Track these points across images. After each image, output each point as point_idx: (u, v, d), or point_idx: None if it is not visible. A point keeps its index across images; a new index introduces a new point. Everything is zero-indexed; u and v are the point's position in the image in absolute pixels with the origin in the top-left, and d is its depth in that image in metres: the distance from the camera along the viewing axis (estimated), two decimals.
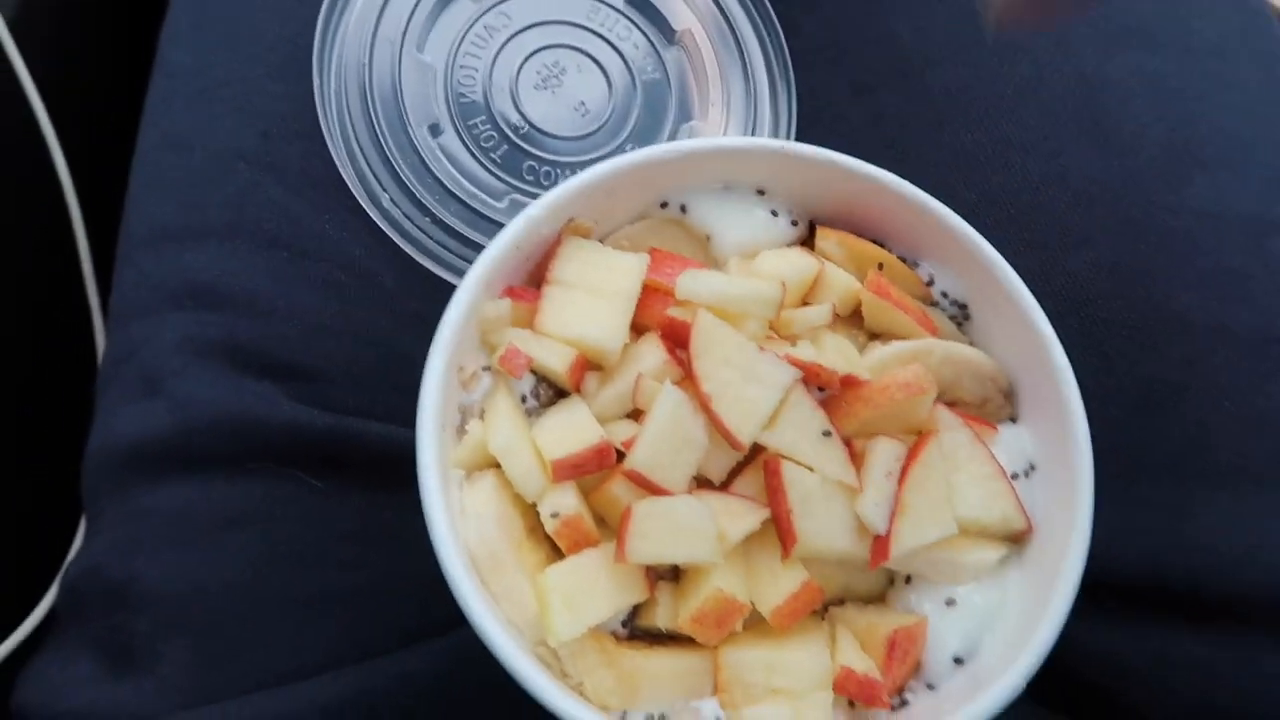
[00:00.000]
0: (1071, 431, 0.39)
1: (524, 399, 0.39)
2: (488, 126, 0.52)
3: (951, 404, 0.41)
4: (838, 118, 0.54)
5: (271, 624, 0.46)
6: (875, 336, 0.42)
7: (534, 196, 0.44)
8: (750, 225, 0.43)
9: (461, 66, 0.52)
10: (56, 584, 0.52)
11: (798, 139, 0.52)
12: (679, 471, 0.36)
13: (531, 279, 0.42)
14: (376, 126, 0.50)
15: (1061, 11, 0.51)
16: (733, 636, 0.37)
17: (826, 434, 0.37)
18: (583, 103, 0.54)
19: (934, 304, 0.43)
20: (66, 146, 0.61)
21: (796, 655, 0.37)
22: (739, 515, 0.37)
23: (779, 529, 0.37)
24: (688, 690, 0.37)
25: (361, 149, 0.50)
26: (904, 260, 0.43)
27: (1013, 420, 0.42)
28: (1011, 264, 0.41)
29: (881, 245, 0.44)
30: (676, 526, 0.35)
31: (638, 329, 0.40)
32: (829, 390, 0.39)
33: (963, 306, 0.43)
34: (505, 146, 0.52)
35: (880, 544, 0.37)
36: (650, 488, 0.36)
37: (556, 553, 0.37)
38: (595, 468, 0.37)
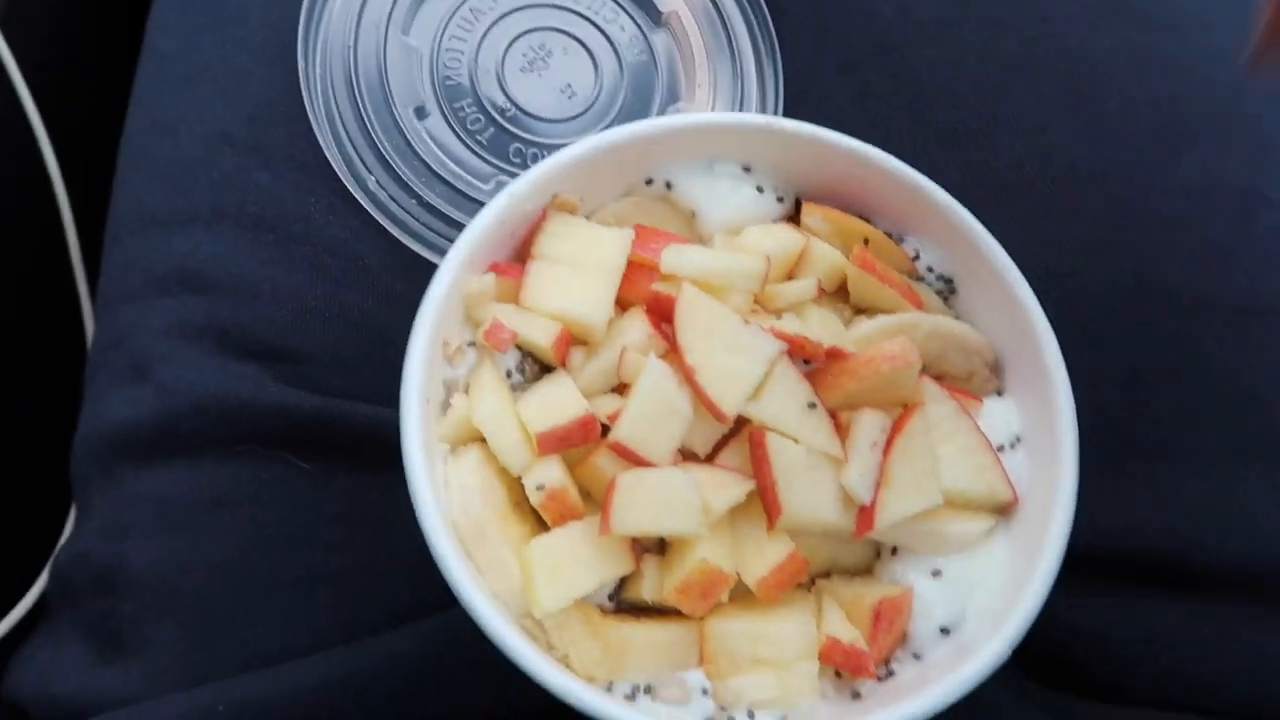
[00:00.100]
0: (1056, 403, 0.39)
1: (509, 374, 0.39)
2: (474, 109, 0.52)
3: (938, 377, 0.41)
4: (823, 97, 0.54)
5: (259, 606, 0.46)
6: (861, 311, 0.42)
7: None
8: (736, 201, 0.43)
9: (447, 50, 0.52)
10: (47, 570, 0.52)
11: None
12: (663, 444, 0.36)
13: (516, 255, 0.42)
14: (362, 110, 0.50)
15: None
16: (718, 608, 0.37)
17: (811, 406, 0.38)
18: (569, 85, 0.54)
19: (920, 279, 0.43)
20: (54, 134, 0.61)
21: (782, 626, 0.37)
22: (724, 487, 0.37)
23: (764, 500, 0.37)
24: (673, 661, 0.37)
25: (347, 132, 0.50)
26: (890, 235, 0.43)
27: (999, 394, 0.42)
28: (998, 240, 0.41)
29: (867, 221, 0.44)
30: (661, 498, 0.35)
31: (623, 304, 0.40)
32: (814, 363, 0.39)
33: (948, 281, 0.43)
34: (491, 129, 0.52)
35: (865, 514, 0.37)
36: (635, 460, 0.36)
37: (542, 526, 0.37)
38: (580, 441, 0.37)
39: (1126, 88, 0.53)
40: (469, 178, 0.51)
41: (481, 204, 0.50)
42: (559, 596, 0.35)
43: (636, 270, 0.40)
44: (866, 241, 0.43)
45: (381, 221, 0.50)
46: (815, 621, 0.37)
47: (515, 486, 0.38)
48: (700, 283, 0.38)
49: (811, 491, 0.37)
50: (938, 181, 0.42)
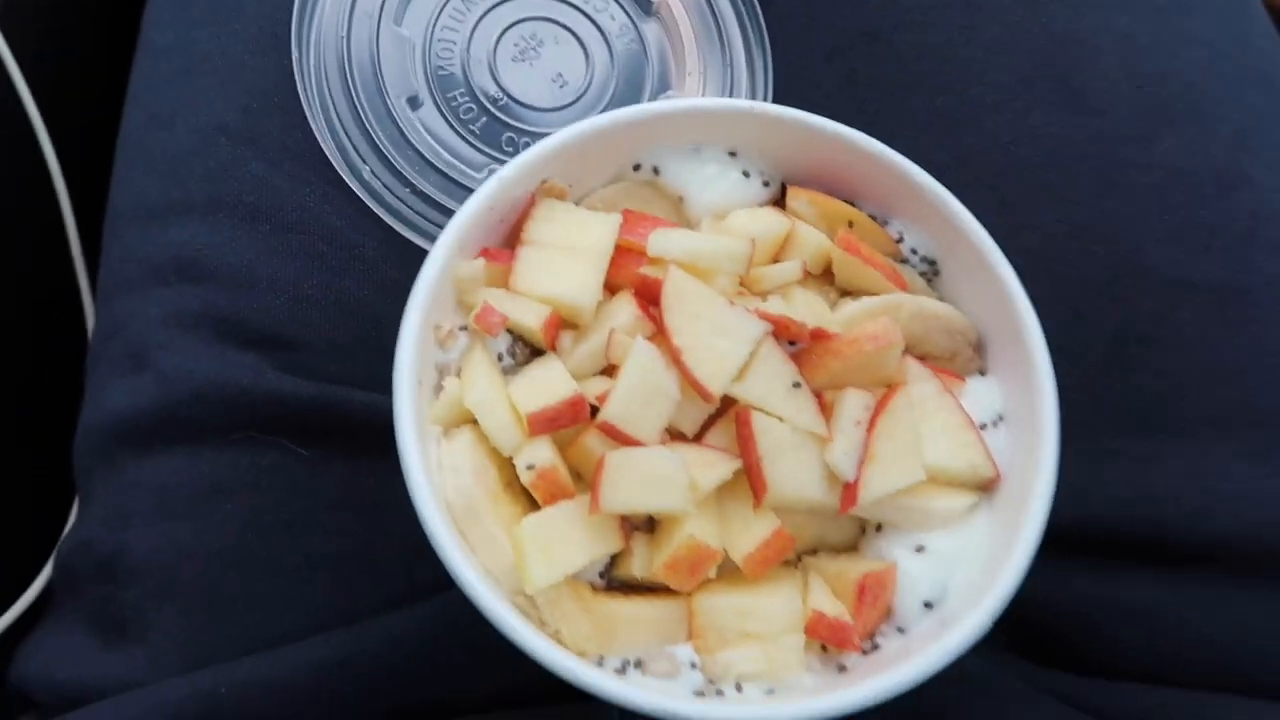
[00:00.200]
0: (1037, 382, 0.39)
1: (500, 358, 0.40)
2: (466, 99, 0.53)
3: (921, 358, 0.41)
4: (811, 84, 0.55)
5: (259, 590, 0.47)
6: (846, 293, 0.43)
7: None
8: (722, 186, 0.44)
9: (439, 40, 0.53)
10: (51, 560, 0.53)
11: None
12: (651, 423, 0.37)
13: (506, 241, 0.43)
14: (356, 100, 0.51)
15: None
16: (706, 584, 0.38)
17: (796, 385, 0.38)
18: (560, 74, 0.54)
19: (904, 261, 0.44)
20: (53, 129, 0.62)
21: (769, 600, 0.37)
22: (711, 465, 0.37)
23: (750, 478, 0.37)
24: (663, 636, 0.38)
25: (341, 122, 0.51)
26: (874, 218, 0.44)
27: (981, 373, 0.43)
28: (983, 223, 0.41)
29: (852, 204, 0.44)
30: (649, 476, 0.36)
31: (611, 288, 0.41)
32: (799, 343, 0.40)
33: (932, 263, 0.44)
34: (484, 118, 0.53)
35: (849, 491, 0.38)
36: (623, 439, 0.37)
37: (533, 505, 0.38)
38: (569, 421, 0.37)
39: (1109, 70, 0.53)
40: (462, 166, 0.52)
41: (474, 191, 0.51)
42: (550, 573, 0.36)
43: (624, 254, 0.41)
44: (851, 224, 0.43)
45: (376, 210, 0.51)
46: (801, 596, 0.38)
47: (507, 467, 0.38)
48: (686, 265, 0.39)
49: (797, 469, 0.37)
50: (923, 165, 0.42)
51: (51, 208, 0.62)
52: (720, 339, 0.38)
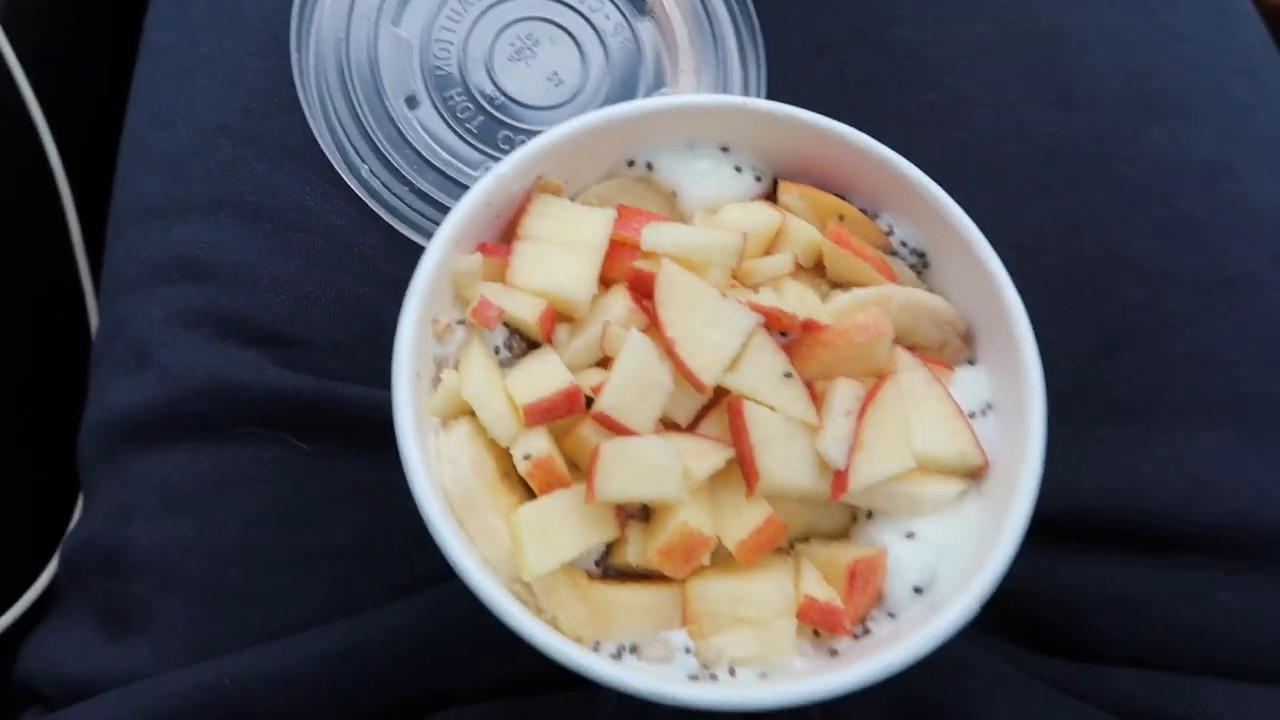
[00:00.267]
0: (1025, 371, 0.40)
1: (497, 350, 0.41)
2: (463, 98, 0.53)
3: (911, 348, 0.42)
4: (804, 80, 0.55)
5: (262, 582, 0.48)
6: (837, 286, 0.44)
7: None
8: (715, 181, 0.45)
9: (437, 40, 0.54)
10: (56, 556, 0.54)
11: None
12: (645, 413, 0.38)
13: (503, 236, 0.43)
14: (354, 99, 0.52)
15: None
16: (700, 571, 0.38)
17: (788, 375, 0.39)
18: (556, 73, 0.55)
19: (894, 253, 0.44)
20: (56, 131, 0.62)
21: (761, 586, 0.38)
22: (704, 454, 0.38)
23: (742, 466, 0.38)
24: (658, 622, 0.38)
25: (340, 122, 0.52)
26: (864, 211, 0.45)
27: (970, 363, 0.43)
28: (973, 216, 0.42)
29: (843, 198, 0.45)
30: (643, 464, 0.37)
31: (606, 282, 0.41)
32: (790, 335, 0.40)
33: (921, 255, 0.44)
34: (481, 117, 0.53)
35: (840, 478, 0.38)
36: (618, 429, 0.38)
37: (530, 495, 0.39)
38: (565, 412, 0.38)
39: (1098, 64, 0.54)
40: (460, 165, 0.52)
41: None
42: (546, 560, 0.36)
43: (619, 249, 0.41)
44: (842, 218, 0.44)
45: (375, 209, 0.51)
46: (793, 582, 0.39)
47: (504, 457, 0.39)
48: (679, 259, 0.39)
49: (788, 457, 0.38)
50: (914, 159, 0.43)
51: (54, 207, 0.63)
52: (713, 331, 0.38)
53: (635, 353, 0.38)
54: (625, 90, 0.55)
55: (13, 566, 0.57)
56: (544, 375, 0.39)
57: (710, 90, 0.55)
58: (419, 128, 0.52)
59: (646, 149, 0.45)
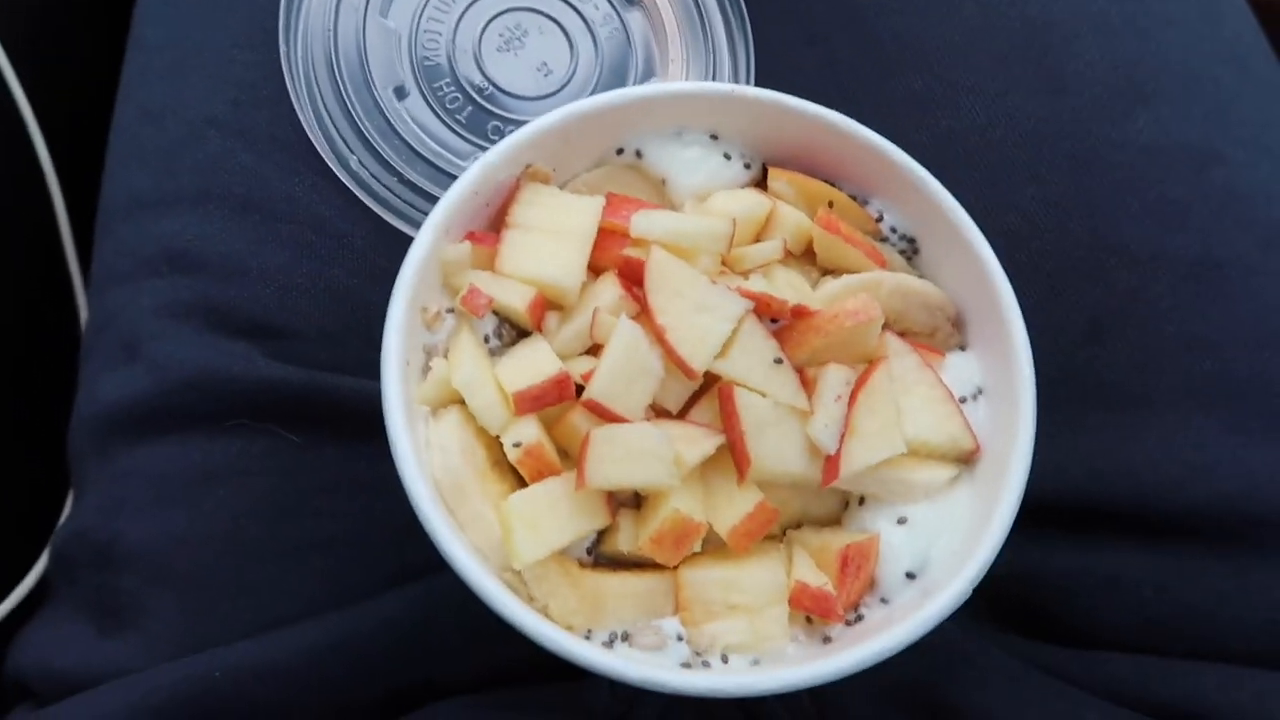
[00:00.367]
0: (1015, 356, 0.40)
1: (487, 339, 0.41)
2: (452, 89, 0.53)
3: (902, 334, 0.42)
4: (793, 69, 0.55)
5: (253, 574, 0.48)
6: (827, 272, 0.44)
7: None
8: (704, 169, 0.45)
9: (425, 31, 0.54)
10: (47, 551, 0.53)
11: None
12: (635, 400, 0.38)
13: (492, 225, 0.43)
14: (343, 91, 0.52)
15: None
16: (692, 558, 0.38)
17: (778, 361, 0.39)
18: (545, 64, 0.55)
19: (884, 239, 0.45)
20: (46, 127, 0.62)
21: (753, 573, 0.38)
22: (695, 441, 0.38)
23: (733, 453, 0.38)
24: (650, 609, 0.38)
25: (329, 113, 0.52)
26: (854, 198, 0.45)
27: (961, 348, 0.43)
28: (962, 203, 0.42)
29: (832, 184, 0.45)
30: (633, 451, 0.37)
31: (595, 270, 0.41)
32: (781, 320, 0.40)
33: (911, 241, 0.44)
34: (470, 108, 0.53)
35: (831, 464, 0.38)
36: (608, 416, 0.37)
37: (520, 484, 0.39)
38: (555, 399, 0.38)
39: (1085, 51, 0.54)
40: (449, 155, 0.52)
41: None
42: (537, 548, 0.36)
43: (608, 236, 0.41)
44: (831, 204, 0.44)
45: (364, 200, 0.51)
46: (785, 569, 0.39)
47: (494, 446, 0.39)
48: (669, 245, 0.39)
49: (779, 443, 0.38)
50: (904, 147, 0.43)
51: (44, 202, 0.63)
52: (702, 317, 0.38)
53: (625, 339, 0.38)
54: (614, 80, 0.55)
55: (3, 562, 0.57)
56: (534, 363, 0.39)
57: (699, 79, 0.55)
58: (408, 118, 0.52)
59: (636, 137, 0.45)
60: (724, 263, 0.41)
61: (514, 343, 0.41)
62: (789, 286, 0.41)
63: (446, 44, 0.54)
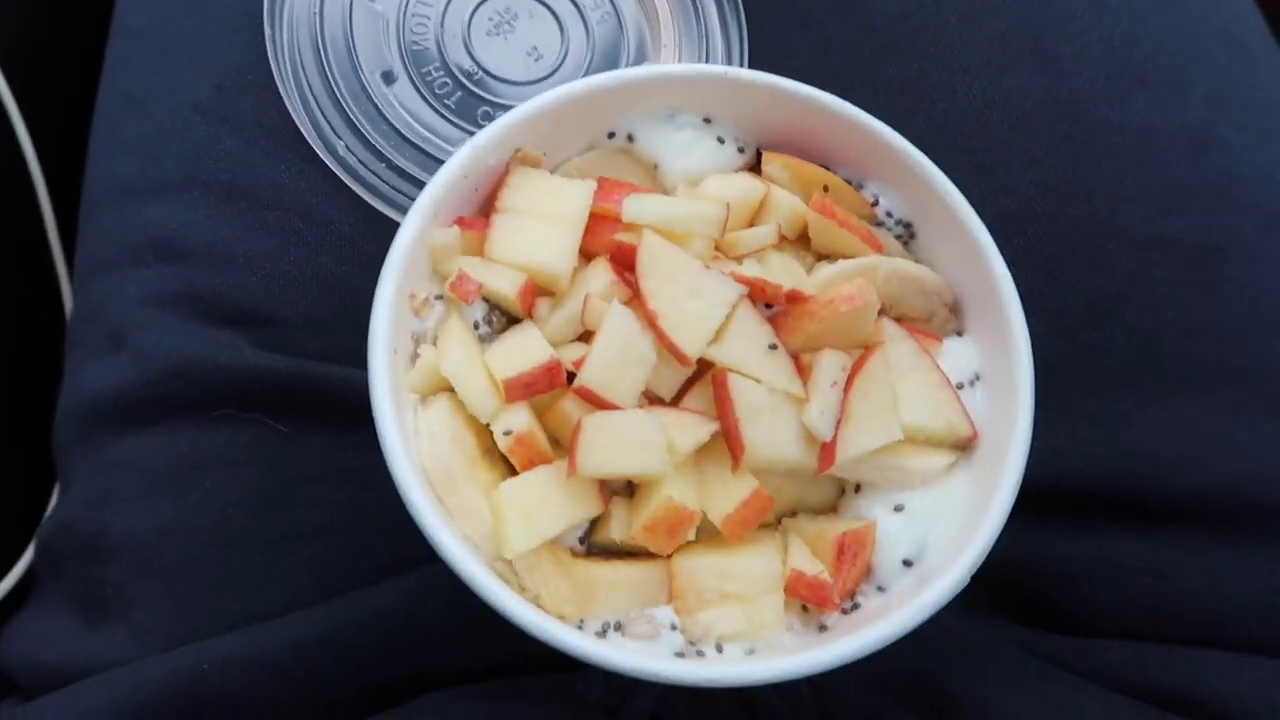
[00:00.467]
0: (1013, 341, 0.40)
1: (476, 326, 0.40)
2: (441, 73, 0.52)
3: (898, 319, 0.41)
4: (787, 53, 0.54)
5: (241, 565, 0.47)
6: (823, 257, 0.43)
7: None
8: (697, 153, 0.44)
9: (413, 15, 0.53)
10: (33, 544, 0.53)
11: None
12: (628, 387, 0.37)
13: (481, 210, 0.43)
14: (330, 76, 0.51)
15: None
16: (686, 546, 0.38)
17: (773, 347, 0.38)
18: (535, 48, 0.54)
19: (879, 224, 0.44)
20: (27, 112, 0.61)
21: (748, 561, 0.38)
22: (689, 428, 0.37)
23: (728, 439, 0.38)
24: (643, 599, 0.38)
25: (315, 98, 0.51)
26: (849, 182, 0.44)
27: (958, 334, 0.43)
28: (960, 188, 0.42)
29: (827, 168, 0.44)
30: (626, 438, 0.36)
31: (587, 255, 0.41)
32: (775, 306, 0.40)
33: (908, 225, 0.44)
34: (459, 93, 0.52)
35: (827, 451, 0.38)
36: (600, 404, 0.37)
37: (511, 472, 0.38)
38: (546, 386, 0.37)
39: (1081, 32, 0.53)
40: (438, 141, 0.51)
41: None
42: (528, 537, 0.36)
43: (599, 221, 0.41)
44: (826, 188, 0.43)
45: (351, 186, 0.50)
46: (780, 557, 0.38)
47: (484, 434, 0.38)
48: (661, 230, 0.39)
49: (774, 430, 0.38)
50: (900, 130, 0.42)
51: (27, 191, 0.62)
52: (696, 302, 0.38)
53: (617, 325, 0.37)
54: (606, 65, 0.55)
55: None
56: (524, 350, 0.38)
57: (691, 63, 0.54)
58: (396, 104, 0.51)
59: (627, 120, 0.44)
60: (717, 248, 0.41)
61: (504, 329, 0.41)
62: (784, 271, 0.41)
63: (435, 28, 0.53)
